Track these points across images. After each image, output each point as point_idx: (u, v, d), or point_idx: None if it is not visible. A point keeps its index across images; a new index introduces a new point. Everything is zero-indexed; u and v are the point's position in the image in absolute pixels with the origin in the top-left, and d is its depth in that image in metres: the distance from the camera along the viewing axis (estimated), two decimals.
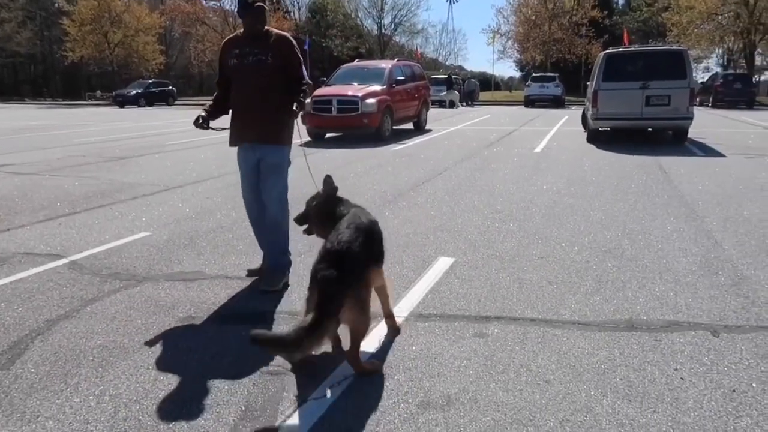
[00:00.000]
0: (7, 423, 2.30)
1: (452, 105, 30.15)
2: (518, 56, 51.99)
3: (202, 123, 3.82)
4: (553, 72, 36.16)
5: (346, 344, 2.69)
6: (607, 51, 12.67)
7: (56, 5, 55.97)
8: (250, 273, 4.05)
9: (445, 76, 33.97)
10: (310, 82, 3.87)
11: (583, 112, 14.83)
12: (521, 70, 62.08)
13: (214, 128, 3.91)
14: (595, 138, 12.52)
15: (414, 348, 2.90)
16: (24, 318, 3.34)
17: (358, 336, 2.61)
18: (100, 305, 3.53)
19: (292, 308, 3.45)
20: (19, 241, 4.97)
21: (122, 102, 35.89)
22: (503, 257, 4.39)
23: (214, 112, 3.93)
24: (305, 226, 3.33)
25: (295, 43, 3.87)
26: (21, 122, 21.59)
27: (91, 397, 2.48)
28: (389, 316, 3.09)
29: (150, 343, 3.01)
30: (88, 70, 55.88)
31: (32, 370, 2.73)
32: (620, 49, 13.04)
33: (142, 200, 6.62)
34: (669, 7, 37.50)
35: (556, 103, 30.61)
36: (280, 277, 3.81)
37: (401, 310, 3.37)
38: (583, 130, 14.29)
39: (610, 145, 11.55)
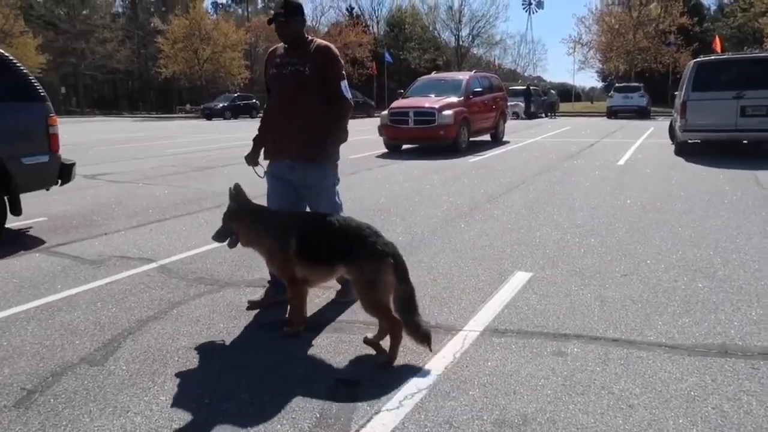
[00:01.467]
0: (100, 416, 2.44)
1: (515, 116, 29.45)
2: (600, 66, 50.33)
3: (252, 161, 3.78)
4: (637, 82, 34.69)
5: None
6: (698, 59, 12.02)
7: (152, 25, 59.85)
8: (251, 305, 3.71)
9: (524, 88, 33.35)
10: (350, 100, 3.59)
11: (671, 124, 14.12)
12: (603, 81, 60.02)
13: (258, 173, 3.79)
14: (684, 151, 11.88)
15: (489, 364, 2.84)
16: (117, 318, 3.55)
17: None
18: (186, 308, 3.70)
19: (366, 318, 3.47)
20: (115, 245, 5.31)
21: (209, 115, 37.70)
22: (584, 273, 4.23)
23: (263, 138, 3.80)
24: (227, 241, 3.34)
25: (337, 54, 3.59)
26: (119, 134, 23.15)
27: (175, 397, 2.59)
28: None
29: (231, 347, 3.12)
30: (179, 85, 59.33)
31: (123, 367, 2.90)
32: (712, 57, 12.34)
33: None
34: (767, 13, 35.13)
35: (641, 114, 29.31)
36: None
37: (477, 324, 3.32)
38: (671, 142, 13.60)
39: (701, 158, 10.92)
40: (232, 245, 3.33)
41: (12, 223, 5.80)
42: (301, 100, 3.51)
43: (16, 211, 5.50)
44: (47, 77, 47.72)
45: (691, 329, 3.20)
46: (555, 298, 3.75)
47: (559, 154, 12.46)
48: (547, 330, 3.24)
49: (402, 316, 2.85)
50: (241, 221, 3.24)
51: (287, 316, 3.38)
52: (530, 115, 30.54)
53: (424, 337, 2.84)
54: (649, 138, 16.48)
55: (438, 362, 2.85)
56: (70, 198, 7.69)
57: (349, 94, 3.58)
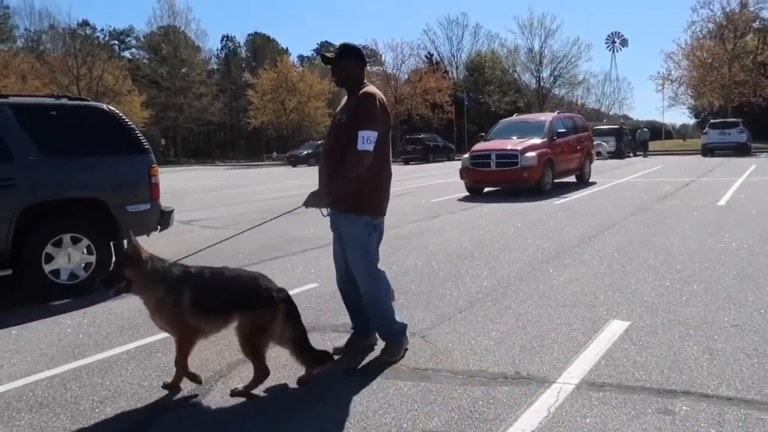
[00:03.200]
0: None
1: (599, 156, 28.49)
2: (692, 102, 48.05)
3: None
4: (735, 117, 32.72)
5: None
6: None
7: (243, 79, 63.89)
8: (336, 351, 3.66)
9: (615, 127, 32.26)
10: (361, 152, 3.27)
11: None
12: (696, 117, 57.29)
13: (322, 212, 3.66)
14: None
15: (588, 420, 2.65)
16: (209, 360, 3.65)
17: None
18: (273, 353, 3.71)
19: (454, 366, 3.37)
20: None
21: (295, 162, 39.23)
22: (687, 323, 3.92)
23: None
24: (113, 288, 3.16)
25: (368, 102, 3.35)
26: (212, 182, 24.50)
27: None
28: None
29: (317, 393, 3.11)
30: (266, 134, 62.54)
31: (214, 410, 2.95)
32: None
33: (311, 253, 7.05)
34: None
35: (741, 150, 27.53)
36: (398, 346, 3.58)
37: (571, 376, 3.13)
38: None
39: None
40: (117, 293, 3.20)
41: None
42: (334, 147, 3.49)
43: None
44: (150, 130, 51.87)
45: None
46: (657, 349, 3.49)
47: (651, 195, 11.87)
48: (650, 385, 3.00)
49: (300, 353, 3.22)
50: (135, 268, 3.13)
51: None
52: (620, 155, 29.53)
53: (324, 356, 3.33)
54: (751, 176, 15.40)
55: (531, 417, 2.70)
56: (168, 243, 8.13)
57: (364, 146, 3.28)
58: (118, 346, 3.99)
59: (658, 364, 3.26)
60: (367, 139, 3.29)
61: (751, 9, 39.31)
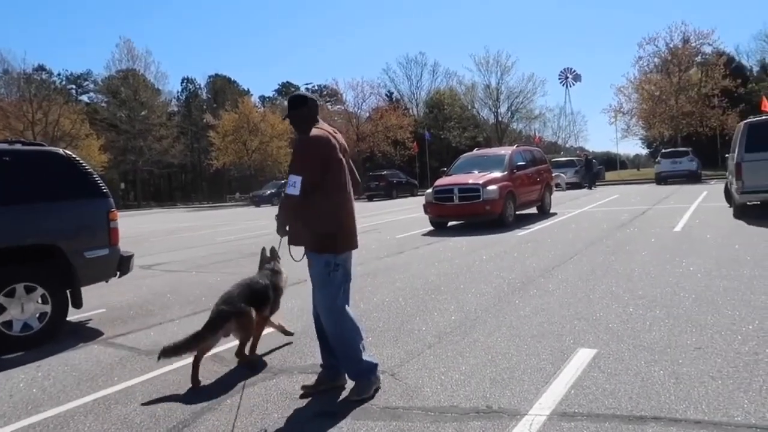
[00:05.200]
0: None
1: (558, 188, 29.31)
2: (644, 133, 49.94)
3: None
4: (684, 146, 34.15)
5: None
6: (749, 120, 11.78)
7: (204, 120, 63.64)
8: (306, 390, 3.64)
9: (582, 158, 33.26)
10: (288, 195, 3.36)
11: (726, 186, 13.69)
12: (648, 147, 59.55)
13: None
14: (744, 213, 11.41)
15: None
16: (172, 409, 3.51)
17: (242, 341, 4.30)
18: (248, 391, 3.63)
19: (425, 403, 3.33)
20: (170, 334, 5.34)
21: (258, 201, 38.94)
22: (652, 348, 3.98)
23: None
24: None
25: (300, 146, 3.45)
26: (173, 224, 24.05)
27: None
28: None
29: None
30: (229, 175, 62.16)
31: None
32: (763, 117, 12.07)
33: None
34: None
35: (692, 178, 28.65)
36: (368, 385, 3.50)
37: (542, 407, 3.12)
38: (728, 205, 13.14)
39: (763, 220, 10.44)
40: None
41: (73, 315, 5.96)
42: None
43: (78, 303, 5.66)
44: (109, 174, 50.92)
45: None
46: (624, 376, 3.52)
47: (611, 224, 12.16)
48: (620, 412, 3.01)
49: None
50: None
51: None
52: (581, 185, 30.38)
53: None
54: (704, 202, 15.98)
55: None
56: (128, 289, 7.90)
57: (290, 190, 3.35)
58: (75, 399, 3.80)
59: (627, 391, 3.28)
60: (292, 183, 3.37)
61: (693, 44, 41.55)
